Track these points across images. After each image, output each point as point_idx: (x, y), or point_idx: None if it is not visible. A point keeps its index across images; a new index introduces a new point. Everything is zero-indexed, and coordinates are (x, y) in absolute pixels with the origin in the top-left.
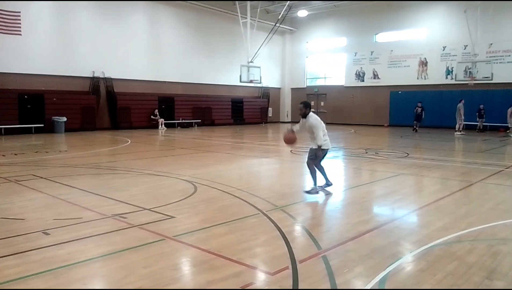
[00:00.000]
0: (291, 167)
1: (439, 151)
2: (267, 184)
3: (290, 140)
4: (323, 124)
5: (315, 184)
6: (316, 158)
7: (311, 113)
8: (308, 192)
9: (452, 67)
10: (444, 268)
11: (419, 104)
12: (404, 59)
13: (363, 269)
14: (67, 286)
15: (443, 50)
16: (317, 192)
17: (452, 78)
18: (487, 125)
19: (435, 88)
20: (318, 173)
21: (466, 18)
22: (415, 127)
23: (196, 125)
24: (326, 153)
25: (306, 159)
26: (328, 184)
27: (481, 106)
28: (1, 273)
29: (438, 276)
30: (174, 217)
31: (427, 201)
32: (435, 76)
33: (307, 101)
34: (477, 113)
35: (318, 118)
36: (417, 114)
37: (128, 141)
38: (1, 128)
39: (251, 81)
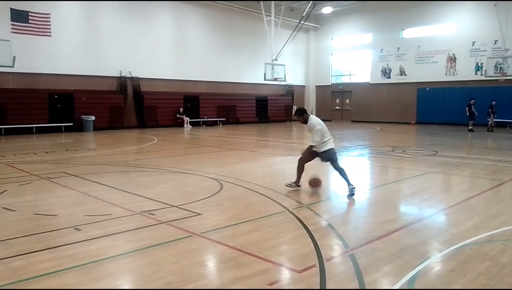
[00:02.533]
0: (316, 165)
1: (469, 149)
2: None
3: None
4: (323, 125)
5: (349, 183)
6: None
7: (311, 116)
8: (351, 194)
9: (482, 63)
10: (475, 268)
11: (472, 101)
12: (431, 55)
13: (392, 268)
14: (99, 280)
15: (472, 45)
16: (354, 188)
17: (481, 74)
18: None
19: (464, 85)
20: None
21: (496, 12)
22: (470, 126)
23: (220, 123)
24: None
25: (333, 163)
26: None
27: (493, 103)
28: (35, 267)
29: (469, 276)
30: (201, 214)
31: (456, 200)
32: (464, 72)
33: (301, 107)
34: (489, 110)
35: (318, 120)
36: (471, 111)
37: (155, 140)
38: (33, 126)
39: (275, 79)
